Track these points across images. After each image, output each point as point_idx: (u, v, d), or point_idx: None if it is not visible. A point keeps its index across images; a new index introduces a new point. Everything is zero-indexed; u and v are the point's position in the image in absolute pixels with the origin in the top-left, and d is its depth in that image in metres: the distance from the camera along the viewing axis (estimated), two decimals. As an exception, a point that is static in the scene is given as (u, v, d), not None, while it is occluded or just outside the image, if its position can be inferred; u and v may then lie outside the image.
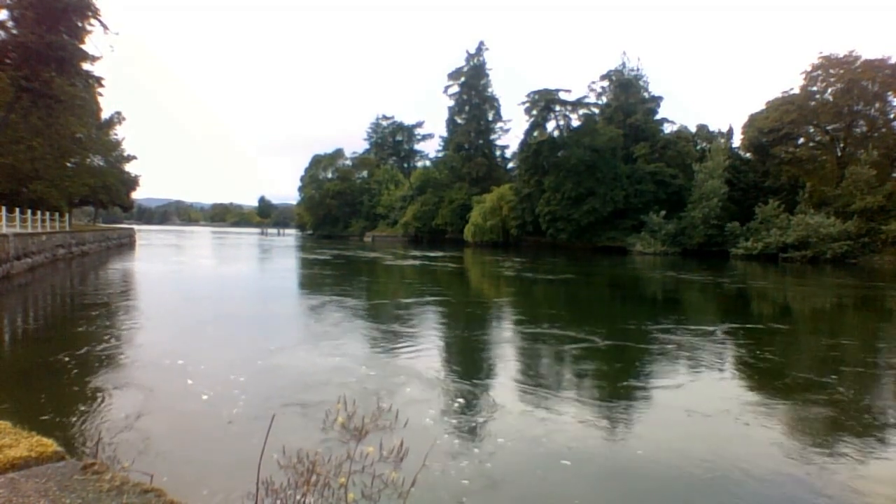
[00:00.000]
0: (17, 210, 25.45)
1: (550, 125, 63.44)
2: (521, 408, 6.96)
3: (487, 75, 79.40)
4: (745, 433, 6.19)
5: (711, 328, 13.21)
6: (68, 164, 41.40)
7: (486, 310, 16.26)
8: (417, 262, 34.94)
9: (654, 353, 10.21)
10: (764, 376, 8.92)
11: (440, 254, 45.43)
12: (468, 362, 9.63)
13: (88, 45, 28.53)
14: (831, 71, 50.09)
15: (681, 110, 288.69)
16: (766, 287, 25.43)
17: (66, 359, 8.44)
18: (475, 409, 6.83)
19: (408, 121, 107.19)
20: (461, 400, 7.11)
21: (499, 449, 5.57)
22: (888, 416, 7.05)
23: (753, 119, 56.16)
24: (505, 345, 11.31)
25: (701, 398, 7.55)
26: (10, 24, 26.15)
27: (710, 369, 9.26)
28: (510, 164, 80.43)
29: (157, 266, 29.34)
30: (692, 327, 13.20)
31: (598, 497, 4.72)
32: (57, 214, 34.63)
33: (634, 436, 6.11)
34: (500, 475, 4.97)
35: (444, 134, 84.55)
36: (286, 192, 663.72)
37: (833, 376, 8.85)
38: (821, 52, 52.50)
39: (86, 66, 29.38)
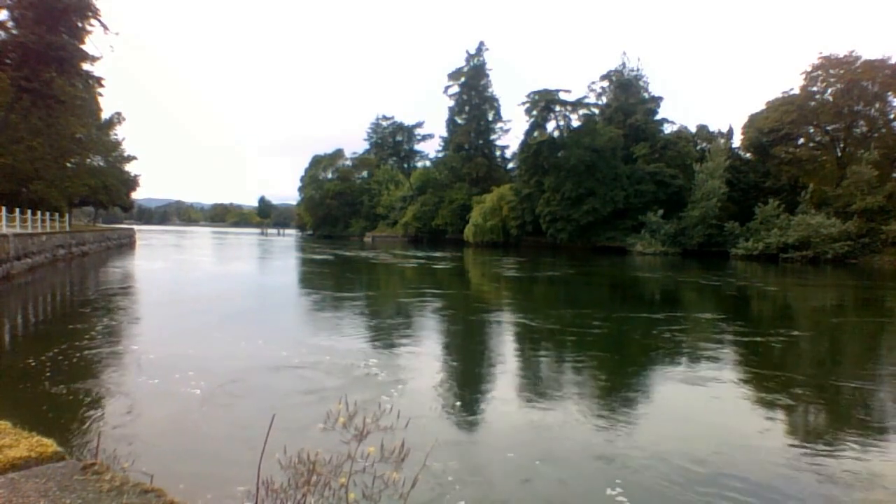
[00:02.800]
0: (17, 210, 25.43)
1: (550, 125, 63.53)
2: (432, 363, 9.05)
3: (487, 75, 79.45)
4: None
5: (651, 317, 14.62)
6: (68, 165, 41.41)
7: (458, 301, 16.55)
8: (411, 263, 34.94)
9: (573, 335, 11.93)
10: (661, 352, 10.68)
11: (439, 254, 45.44)
12: (413, 346, 10.13)
13: (88, 45, 28.53)
14: (831, 71, 50.11)
15: (681, 110, 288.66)
16: (744, 285, 25.57)
17: (65, 358, 8.45)
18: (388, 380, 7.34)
19: (408, 121, 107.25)
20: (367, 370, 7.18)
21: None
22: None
23: (753, 119, 56.20)
24: (459, 325, 12.85)
25: (595, 365, 9.55)
26: (10, 24, 26.15)
27: (616, 346, 11.20)
28: (510, 165, 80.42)
29: (158, 266, 29.34)
30: (627, 315, 14.87)
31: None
32: (57, 215, 34.62)
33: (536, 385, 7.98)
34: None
35: (444, 134, 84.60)
36: (286, 192, 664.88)
37: (722, 351, 10.61)
38: (821, 53, 52.64)
39: (86, 66, 29.32)
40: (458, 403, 7.06)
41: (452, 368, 9.13)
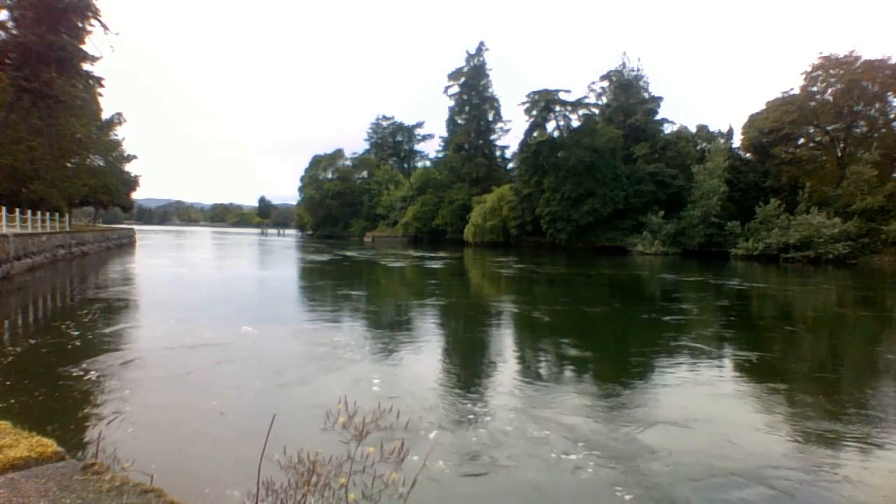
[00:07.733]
0: (17, 210, 25.42)
1: (550, 125, 63.52)
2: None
3: (487, 76, 79.42)
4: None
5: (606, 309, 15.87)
6: (68, 165, 41.37)
7: (453, 298, 16.45)
8: (410, 263, 34.93)
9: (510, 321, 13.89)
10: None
11: (438, 254, 45.41)
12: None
13: (88, 46, 28.50)
14: (831, 71, 50.10)
15: (681, 110, 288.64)
16: (723, 283, 25.60)
17: (66, 356, 8.44)
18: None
19: (408, 121, 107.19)
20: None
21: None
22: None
23: (753, 119, 56.16)
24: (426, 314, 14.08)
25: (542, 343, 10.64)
26: (10, 24, 26.13)
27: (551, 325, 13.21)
28: (510, 165, 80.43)
29: (157, 265, 29.30)
30: (617, 311, 15.88)
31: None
32: (57, 215, 34.60)
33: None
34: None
35: (445, 134, 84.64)
36: (286, 192, 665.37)
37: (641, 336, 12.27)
38: (821, 53, 52.62)
39: (86, 66, 29.29)
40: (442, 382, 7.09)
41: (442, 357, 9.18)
